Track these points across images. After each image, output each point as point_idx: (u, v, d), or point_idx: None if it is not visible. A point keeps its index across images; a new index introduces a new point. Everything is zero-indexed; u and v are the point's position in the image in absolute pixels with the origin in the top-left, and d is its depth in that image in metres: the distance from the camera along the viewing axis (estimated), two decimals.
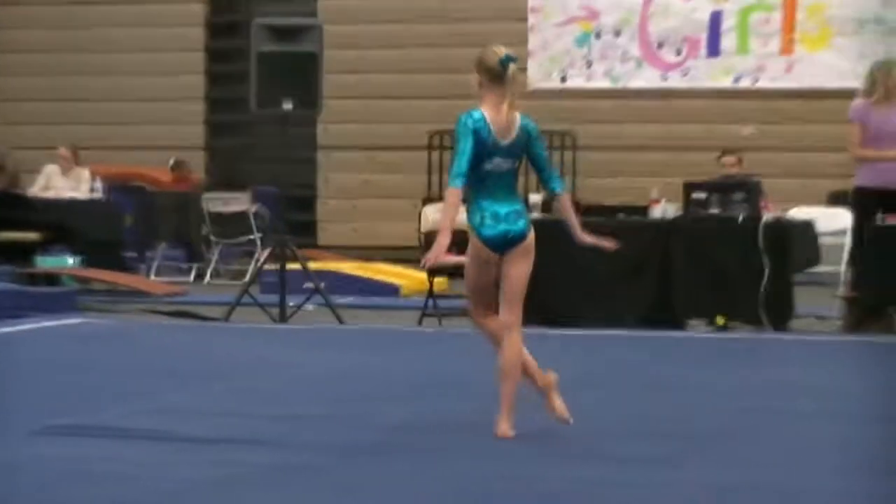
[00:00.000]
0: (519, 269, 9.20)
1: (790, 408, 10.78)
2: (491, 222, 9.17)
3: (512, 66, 9.13)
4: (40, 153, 22.17)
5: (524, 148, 9.25)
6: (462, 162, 9.04)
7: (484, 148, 9.09)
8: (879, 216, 15.23)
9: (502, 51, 9.17)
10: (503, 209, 9.18)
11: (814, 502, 7.73)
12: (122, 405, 10.46)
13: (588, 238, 9.65)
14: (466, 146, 9.06)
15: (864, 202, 15.48)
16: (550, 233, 15.79)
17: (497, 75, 9.13)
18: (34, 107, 24.54)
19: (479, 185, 9.21)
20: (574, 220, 9.61)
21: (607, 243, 9.73)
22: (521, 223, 9.20)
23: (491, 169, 9.15)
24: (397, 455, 8.96)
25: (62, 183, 21.01)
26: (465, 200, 9.35)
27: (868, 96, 15.58)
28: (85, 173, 21.06)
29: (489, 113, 9.13)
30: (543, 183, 9.58)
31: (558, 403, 9.28)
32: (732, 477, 8.34)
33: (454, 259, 14.44)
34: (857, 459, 8.88)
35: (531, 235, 9.23)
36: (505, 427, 9.20)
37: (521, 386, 9.31)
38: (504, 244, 9.18)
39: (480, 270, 9.30)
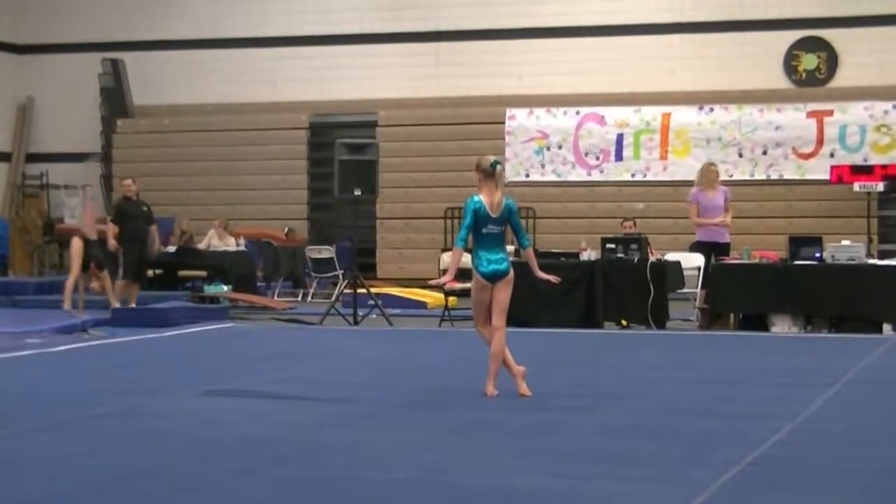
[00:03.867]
0: (503, 294, 9.31)
1: (664, 376, 10.73)
2: (486, 264, 9.25)
3: (498, 167, 9.27)
4: (205, 223, 22.18)
5: (507, 218, 9.35)
6: (463, 231, 9.29)
7: (481, 219, 9.22)
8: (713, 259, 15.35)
9: (491, 158, 9.35)
10: (493, 256, 9.28)
11: (679, 435, 7.67)
12: (253, 377, 10.43)
13: (542, 275, 9.70)
14: (467, 220, 9.26)
15: (701, 251, 15.65)
16: (518, 269, 15.85)
17: (489, 174, 9.24)
18: (201, 194, 24.53)
19: (479, 241, 9.32)
20: (534, 264, 9.75)
21: (553, 279, 9.79)
22: (504, 265, 9.29)
23: (486, 232, 9.27)
24: (422, 407, 8.94)
25: (218, 241, 21.00)
26: (471, 250, 9.44)
27: (699, 185, 15.77)
28: (231, 237, 21.12)
29: (484, 197, 9.25)
30: (517, 240, 9.65)
31: (523, 386, 9.29)
32: (624, 419, 8.32)
33: (459, 285, 14.46)
34: (703, 407, 8.82)
35: (511, 272, 9.35)
36: (490, 389, 9.26)
37: (501, 367, 9.31)
38: (494, 277, 9.28)
39: (479, 293, 9.36)
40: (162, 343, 13.81)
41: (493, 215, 9.22)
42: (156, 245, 17.45)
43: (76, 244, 16.35)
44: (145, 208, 17.39)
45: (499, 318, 9.31)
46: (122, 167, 25.41)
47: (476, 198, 9.23)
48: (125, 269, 17.20)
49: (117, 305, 16.42)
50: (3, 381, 10.48)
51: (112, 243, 16.94)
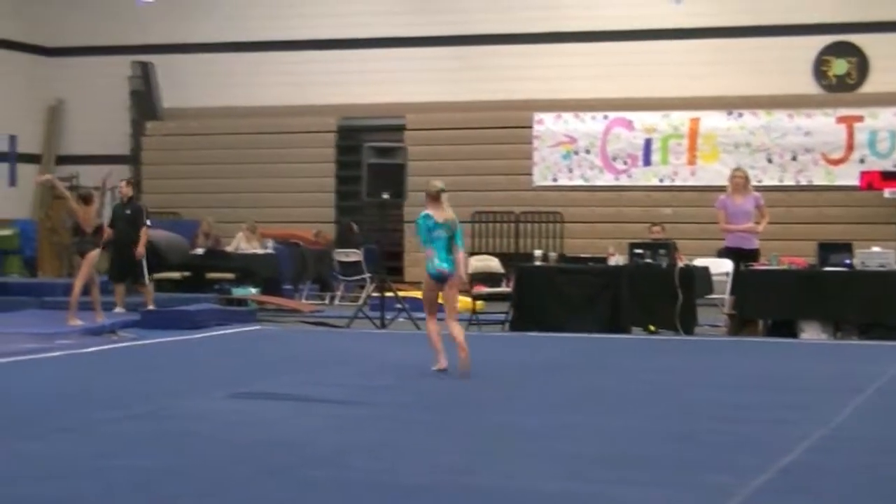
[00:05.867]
0: (452, 292, 10.84)
1: (691, 381, 10.69)
2: (430, 265, 10.68)
3: (443, 194, 10.85)
4: (233, 226, 22.18)
5: (452, 231, 10.78)
6: (423, 237, 10.80)
7: (430, 228, 10.72)
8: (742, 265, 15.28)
9: (439, 185, 10.96)
10: (441, 259, 10.67)
11: (707, 441, 7.62)
12: (280, 379, 10.44)
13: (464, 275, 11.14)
14: (422, 229, 10.79)
15: (729, 257, 15.59)
16: (546, 274, 15.83)
17: (435, 198, 10.86)
18: (229, 197, 24.56)
19: (431, 248, 10.73)
20: (461, 264, 10.91)
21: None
22: (448, 266, 10.66)
23: (435, 237, 10.71)
24: (446, 410, 8.94)
25: (246, 244, 21.01)
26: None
27: (727, 192, 15.80)
28: (258, 239, 21.12)
29: (432, 212, 10.79)
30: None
31: (444, 362, 10.81)
32: (651, 425, 8.27)
33: (486, 290, 14.59)
34: (731, 413, 8.75)
35: (456, 274, 10.71)
36: (463, 362, 10.59)
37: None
38: (440, 279, 10.70)
39: (429, 291, 10.86)
40: (190, 345, 13.83)
41: (439, 223, 10.72)
42: (139, 248, 16.89)
43: (95, 254, 15.82)
44: (129, 211, 17.11)
45: (452, 314, 10.82)
46: (150, 170, 25.55)
47: (426, 214, 10.78)
48: (109, 273, 17.19)
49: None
50: (33, 381, 10.52)
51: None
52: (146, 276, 17.13)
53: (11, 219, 24.95)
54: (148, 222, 17.26)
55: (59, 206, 25.93)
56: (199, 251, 20.64)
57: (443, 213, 10.80)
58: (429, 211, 10.84)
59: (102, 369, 11.59)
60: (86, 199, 16.04)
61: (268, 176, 24.73)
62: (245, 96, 25.19)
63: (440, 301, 10.92)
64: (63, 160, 26.58)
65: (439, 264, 10.63)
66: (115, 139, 25.78)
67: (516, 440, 7.60)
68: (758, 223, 15.68)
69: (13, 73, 26.01)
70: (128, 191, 17.47)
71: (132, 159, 25.72)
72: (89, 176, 25.80)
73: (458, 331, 10.76)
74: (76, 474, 6.46)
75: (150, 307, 16.56)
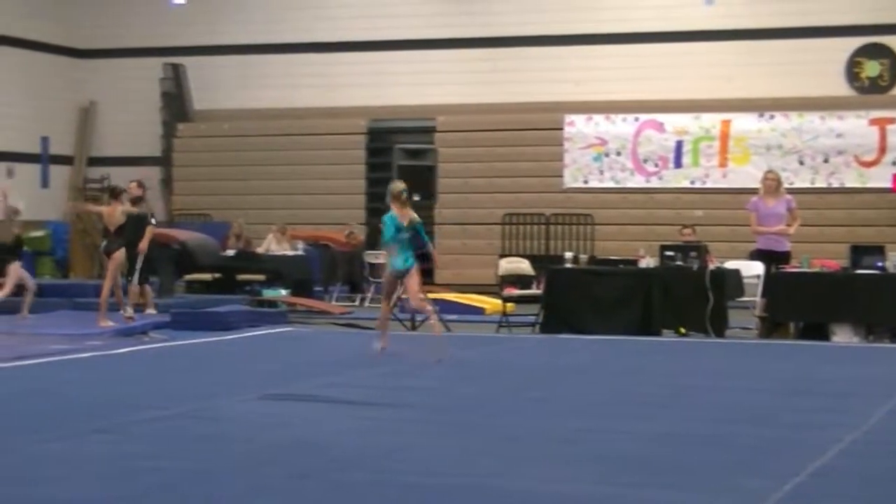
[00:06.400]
0: (412, 282, 12.13)
1: (722, 384, 10.63)
2: (395, 262, 12.00)
3: (404, 194, 12.08)
4: (263, 227, 22.21)
5: (415, 230, 12.08)
6: (387, 235, 12.02)
7: (396, 229, 11.91)
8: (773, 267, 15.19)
9: (402, 186, 12.21)
10: (403, 256, 11.99)
11: (738, 444, 7.58)
12: (310, 381, 10.45)
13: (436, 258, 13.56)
14: (390, 229, 11.94)
15: (760, 259, 15.50)
16: (577, 276, 15.80)
17: (398, 198, 12.07)
18: (260, 199, 24.60)
19: (394, 245, 11.98)
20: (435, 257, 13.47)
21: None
22: (409, 262, 12.00)
23: (399, 237, 11.95)
24: (475, 412, 8.91)
25: (276, 246, 21.04)
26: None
27: (759, 194, 15.74)
28: (289, 241, 21.13)
29: (396, 212, 12.02)
30: (421, 242, 12.29)
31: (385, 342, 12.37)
32: (680, 428, 8.24)
33: (517, 292, 14.69)
34: (762, 415, 8.70)
35: (414, 267, 12.01)
36: (438, 327, 12.52)
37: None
38: (401, 273, 12.04)
39: (388, 282, 12.37)
40: (220, 346, 13.86)
41: (404, 225, 11.89)
42: (141, 244, 16.50)
43: (121, 254, 15.78)
44: (135, 212, 17.05)
45: (415, 297, 12.34)
46: (181, 171, 25.61)
47: (390, 214, 11.92)
48: None
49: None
50: (64, 382, 10.57)
51: None
52: (137, 276, 16.63)
53: (43, 220, 25.05)
54: (153, 220, 17.20)
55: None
56: (230, 253, 20.68)
57: (406, 213, 11.99)
58: (394, 212, 11.97)
59: (133, 370, 11.64)
60: (113, 192, 16.04)
61: (298, 178, 24.75)
62: (276, 98, 25.24)
63: (407, 293, 12.43)
64: (94, 162, 26.71)
65: (402, 263, 11.93)
66: (147, 141, 25.87)
67: (546, 443, 7.58)
68: (789, 226, 15.61)
69: (46, 74, 26.14)
70: (137, 191, 17.45)
71: (163, 161, 25.81)
72: (120, 178, 25.94)
73: (422, 305, 12.50)
74: (107, 476, 6.48)
75: (123, 312, 15.91)
